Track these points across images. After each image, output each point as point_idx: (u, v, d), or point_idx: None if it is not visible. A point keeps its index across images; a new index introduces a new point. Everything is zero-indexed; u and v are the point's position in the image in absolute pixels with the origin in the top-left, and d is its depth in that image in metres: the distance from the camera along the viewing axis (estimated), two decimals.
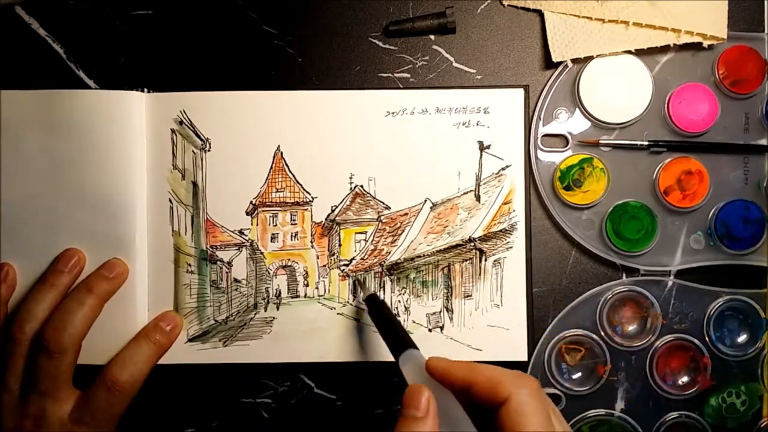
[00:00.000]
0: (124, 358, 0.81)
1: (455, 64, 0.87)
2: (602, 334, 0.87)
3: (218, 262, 0.86)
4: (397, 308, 0.87)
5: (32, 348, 0.79)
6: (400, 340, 0.74)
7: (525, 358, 0.87)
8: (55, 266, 0.83)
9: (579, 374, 0.88)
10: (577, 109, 0.87)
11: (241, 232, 0.86)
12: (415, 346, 0.72)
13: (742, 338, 0.88)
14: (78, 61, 0.87)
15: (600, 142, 0.86)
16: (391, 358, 0.83)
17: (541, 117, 0.87)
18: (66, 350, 0.78)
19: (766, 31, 0.88)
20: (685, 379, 0.88)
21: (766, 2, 0.88)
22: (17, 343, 0.79)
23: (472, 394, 0.65)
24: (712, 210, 0.87)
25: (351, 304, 0.87)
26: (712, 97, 0.87)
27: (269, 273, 0.87)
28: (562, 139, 0.87)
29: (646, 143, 0.86)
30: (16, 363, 0.79)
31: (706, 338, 0.88)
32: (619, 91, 0.87)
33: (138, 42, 0.87)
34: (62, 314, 0.80)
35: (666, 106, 0.87)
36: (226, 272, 0.86)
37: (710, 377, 0.88)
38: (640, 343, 0.88)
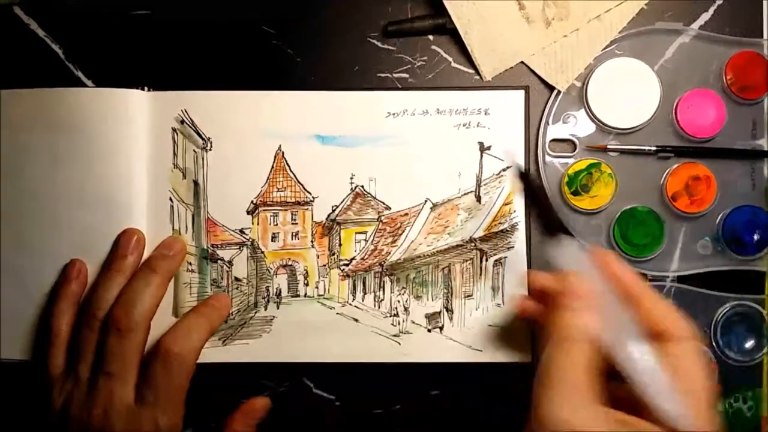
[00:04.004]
0: (176, 329, 0.82)
1: (454, 65, 0.87)
2: None
3: (219, 261, 0.86)
4: (396, 308, 0.87)
5: (102, 332, 0.79)
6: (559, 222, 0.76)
7: (528, 359, 0.86)
8: (117, 251, 0.83)
9: None
10: (585, 114, 0.87)
11: (241, 231, 0.86)
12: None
13: (749, 344, 0.87)
14: (76, 61, 0.87)
15: (608, 147, 0.86)
16: (392, 359, 0.83)
17: (549, 121, 0.86)
18: (135, 328, 0.78)
19: (764, 36, 0.87)
20: None
21: (765, 9, 0.88)
22: (90, 329, 0.80)
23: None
24: (720, 216, 0.86)
25: (351, 304, 0.87)
26: (720, 103, 0.86)
27: (270, 272, 0.87)
28: (570, 144, 0.87)
29: (653, 148, 0.86)
30: (88, 351, 0.80)
31: (713, 344, 0.87)
32: (627, 96, 0.86)
33: (136, 42, 0.87)
34: (129, 293, 0.80)
35: (674, 111, 0.86)
36: (227, 271, 0.87)
37: (717, 383, 0.86)
38: None
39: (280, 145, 0.86)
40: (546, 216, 0.77)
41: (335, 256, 0.87)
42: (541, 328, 0.69)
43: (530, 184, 0.82)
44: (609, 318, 0.66)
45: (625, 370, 0.64)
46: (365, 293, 0.87)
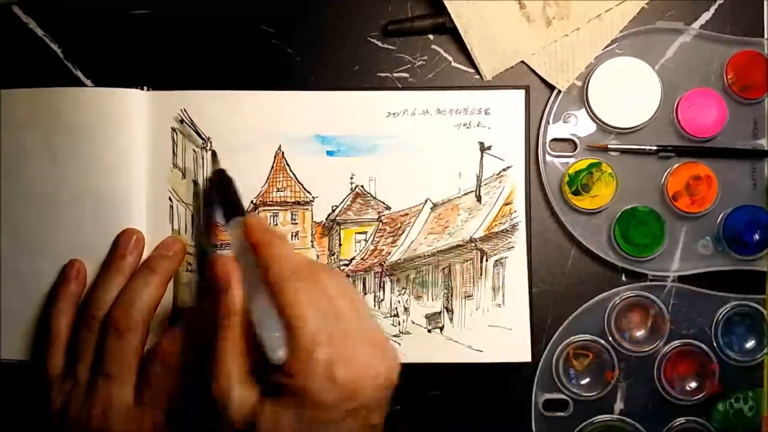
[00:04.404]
0: (175, 331, 0.81)
1: (454, 64, 0.87)
2: (610, 339, 0.87)
3: None
4: (396, 308, 0.87)
5: (101, 333, 0.79)
6: (235, 206, 0.80)
7: (528, 359, 0.86)
8: (116, 251, 0.83)
9: (587, 380, 0.88)
10: (586, 114, 0.87)
11: None
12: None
13: (749, 344, 0.88)
14: (75, 61, 0.87)
15: (608, 146, 0.86)
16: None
17: (550, 121, 0.86)
18: (134, 328, 0.78)
19: (765, 36, 0.87)
20: (692, 384, 0.88)
21: (766, 8, 0.88)
22: (89, 329, 0.80)
23: None
24: (721, 215, 0.87)
25: None
26: (721, 102, 0.86)
27: None
28: (570, 144, 0.87)
29: (654, 148, 0.86)
30: (87, 352, 0.80)
31: (714, 344, 0.87)
32: (628, 96, 0.86)
33: (136, 42, 0.87)
34: (128, 294, 0.80)
35: (674, 111, 0.86)
36: None
37: (718, 383, 0.87)
38: (647, 349, 0.87)
39: (279, 145, 0.85)
40: (229, 204, 0.80)
41: (335, 256, 0.87)
42: None
43: (221, 174, 0.83)
44: (248, 280, 0.72)
45: (252, 320, 0.70)
46: (365, 293, 0.87)
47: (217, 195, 0.82)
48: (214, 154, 0.85)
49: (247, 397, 0.67)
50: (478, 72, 0.87)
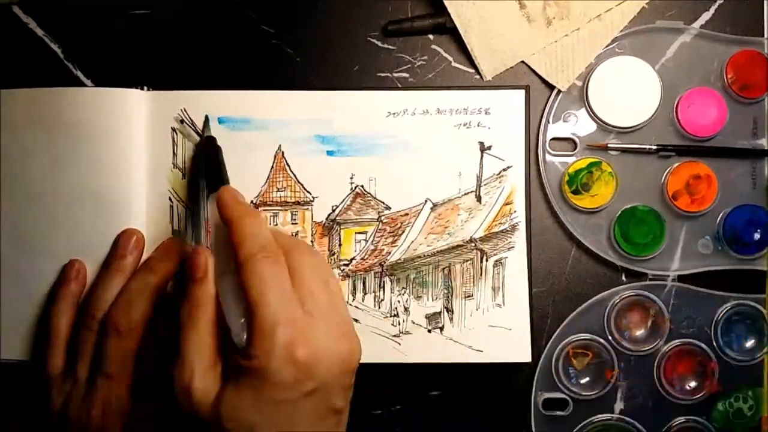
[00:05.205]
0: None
1: (454, 64, 0.87)
2: (610, 338, 0.87)
3: None
4: (396, 308, 0.87)
5: (100, 333, 0.79)
6: (220, 177, 0.79)
7: (528, 359, 0.86)
8: (116, 251, 0.83)
9: (587, 379, 0.88)
10: (586, 113, 0.87)
11: None
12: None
13: (749, 343, 0.88)
14: (75, 61, 0.87)
15: (608, 146, 0.86)
16: (392, 359, 0.83)
17: (550, 120, 0.86)
18: (134, 328, 0.78)
19: (765, 35, 0.87)
20: (692, 383, 0.88)
21: (766, 8, 0.88)
22: (89, 329, 0.80)
23: None
24: (720, 215, 0.87)
25: (351, 305, 0.86)
26: (721, 102, 0.86)
27: None
28: (570, 143, 0.87)
29: (654, 147, 0.86)
30: (87, 352, 0.80)
31: (714, 343, 0.87)
32: (628, 95, 0.86)
33: (136, 42, 0.87)
34: (128, 294, 0.80)
35: (674, 110, 0.86)
36: None
37: (717, 382, 0.87)
38: (647, 348, 0.87)
39: (279, 145, 0.85)
40: (212, 173, 0.80)
41: (335, 256, 0.87)
42: None
43: (209, 142, 0.83)
44: (221, 258, 0.71)
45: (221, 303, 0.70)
46: (365, 293, 0.87)
47: (203, 163, 0.82)
48: (206, 119, 0.85)
49: (211, 387, 0.67)
50: (478, 72, 0.87)
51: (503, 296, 0.86)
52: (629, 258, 0.86)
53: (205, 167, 0.81)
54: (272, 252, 0.68)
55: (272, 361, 0.64)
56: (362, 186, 0.86)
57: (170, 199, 0.85)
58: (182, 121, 0.85)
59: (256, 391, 0.65)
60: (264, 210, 0.86)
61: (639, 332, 0.88)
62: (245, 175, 0.85)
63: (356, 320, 0.86)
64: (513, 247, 0.86)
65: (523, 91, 0.86)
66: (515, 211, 0.86)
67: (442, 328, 0.86)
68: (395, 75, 0.87)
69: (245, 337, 0.66)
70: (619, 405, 0.88)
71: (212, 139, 0.83)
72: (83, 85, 0.86)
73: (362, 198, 0.86)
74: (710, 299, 0.87)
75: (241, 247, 0.68)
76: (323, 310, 0.68)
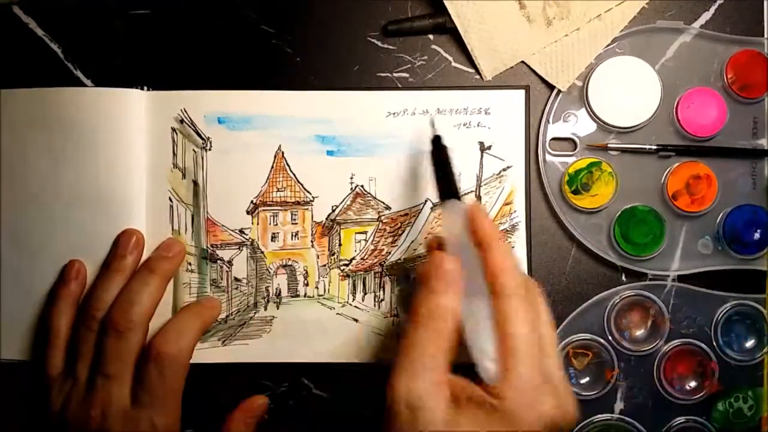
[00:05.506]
0: (167, 330, 0.81)
1: (454, 64, 0.87)
2: (610, 338, 0.87)
3: (218, 261, 0.86)
4: (396, 308, 0.87)
5: (100, 333, 0.79)
6: (450, 186, 0.75)
7: None
8: (116, 251, 0.83)
9: (587, 379, 0.88)
10: (586, 113, 0.87)
11: (241, 231, 0.86)
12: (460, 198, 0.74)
13: (749, 343, 0.88)
14: (75, 61, 0.87)
15: (608, 145, 0.86)
16: (392, 359, 0.83)
17: (550, 120, 0.86)
18: (133, 328, 0.78)
19: (765, 35, 0.87)
20: (692, 383, 0.88)
21: (766, 8, 0.88)
22: (89, 329, 0.80)
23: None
24: (720, 215, 0.86)
25: (351, 305, 0.87)
26: (721, 102, 0.86)
27: (270, 272, 0.87)
28: (570, 143, 0.87)
29: (654, 147, 0.86)
30: (87, 352, 0.80)
31: (714, 343, 0.87)
32: (628, 95, 0.86)
33: (136, 42, 0.87)
34: (127, 294, 0.80)
35: (674, 110, 0.86)
36: (227, 271, 0.86)
37: (718, 382, 0.87)
38: (647, 348, 0.87)
39: (279, 145, 0.85)
40: (445, 182, 0.77)
41: (335, 256, 0.87)
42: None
43: (442, 149, 0.79)
44: (468, 277, 0.68)
45: (462, 326, 0.66)
46: (365, 293, 0.87)
47: (434, 168, 0.78)
48: (431, 119, 0.82)
49: (440, 406, 0.63)
50: (478, 72, 0.87)
51: None
52: (629, 258, 0.86)
53: (437, 173, 0.77)
54: (525, 293, 0.67)
55: (523, 413, 0.62)
56: (362, 186, 0.86)
57: (170, 199, 0.85)
58: (182, 121, 0.85)
59: (489, 426, 0.62)
60: (264, 210, 0.86)
61: (639, 332, 0.88)
62: (245, 175, 0.85)
63: (356, 320, 0.86)
64: (513, 247, 0.86)
65: (523, 91, 0.86)
66: (515, 211, 0.86)
67: None
68: (395, 75, 0.87)
69: (493, 370, 0.64)
70: (619, 405, 0.87)
71: (438, 139, 0.79)
72: (83, 85, 0.86)
73: (362, 198, 0.86)
74: (710, 299, 0.87)
75: (503, 280, 0.66)
76: (554, 365, 0.67)
